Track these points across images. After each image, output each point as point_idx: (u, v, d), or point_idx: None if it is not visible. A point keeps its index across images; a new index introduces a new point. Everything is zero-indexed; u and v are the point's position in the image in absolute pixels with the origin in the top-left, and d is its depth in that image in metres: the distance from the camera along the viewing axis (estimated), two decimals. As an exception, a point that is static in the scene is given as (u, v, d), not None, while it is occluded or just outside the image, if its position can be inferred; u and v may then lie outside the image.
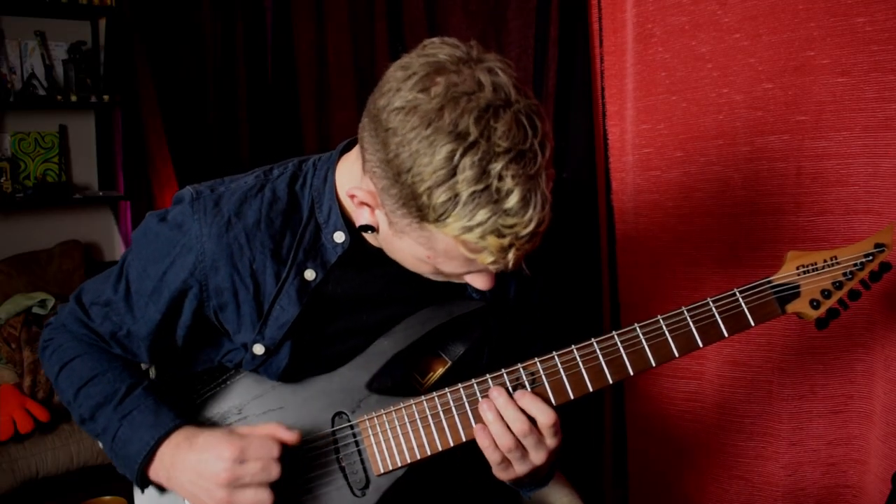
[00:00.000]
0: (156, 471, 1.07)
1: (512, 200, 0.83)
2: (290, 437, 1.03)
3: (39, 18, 3.29)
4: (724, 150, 1.61)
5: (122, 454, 1.07)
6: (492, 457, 1.03)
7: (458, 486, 1.25)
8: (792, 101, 1.51)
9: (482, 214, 0.83)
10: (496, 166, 0.82)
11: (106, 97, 3.35)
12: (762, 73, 1.54)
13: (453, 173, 0.82)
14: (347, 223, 1.06)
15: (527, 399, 1.02)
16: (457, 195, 0.83)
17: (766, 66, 1.53)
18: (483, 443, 1.02)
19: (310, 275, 1.06)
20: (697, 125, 1.65)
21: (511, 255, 0.87)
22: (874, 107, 1.41)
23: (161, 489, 1.10)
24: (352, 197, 0.97)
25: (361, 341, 1.11)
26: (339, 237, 1.06)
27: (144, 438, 1.05)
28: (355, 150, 1.04)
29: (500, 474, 1.07)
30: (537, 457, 1.03)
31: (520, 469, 1.04)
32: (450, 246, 0.88)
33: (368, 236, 1.04)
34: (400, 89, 0.86)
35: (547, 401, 1.03)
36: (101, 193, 3.52)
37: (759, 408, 1.64)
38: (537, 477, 1.12)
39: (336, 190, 1.07)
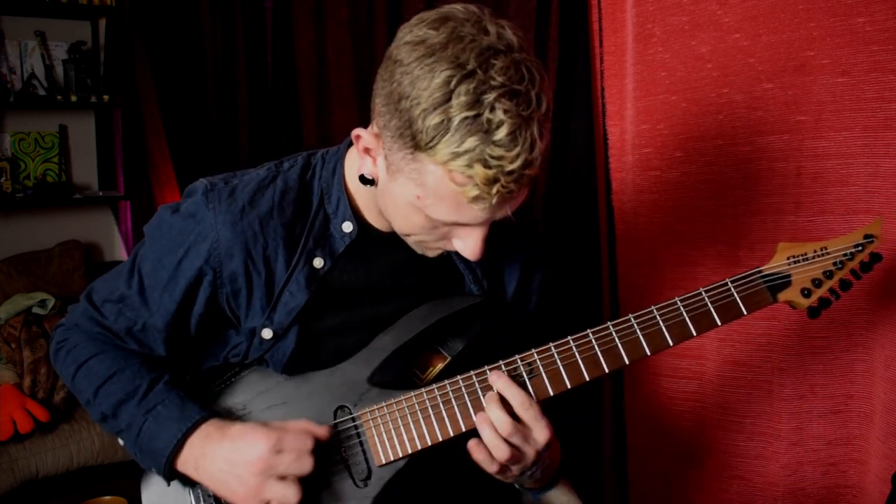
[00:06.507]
0: (184, 461, 1.07)
1: (501, 133, 0.85)
2: (322, 432, 1.06)
3: (39, 18, 3.29)
4: (724, 150, 1.61)
5: (148, 448, 1.08)
6: (489, 469, 1.06)
7: (458, 478, 1.25)
8: (792, 101, 1.51)
9: (471, 142, 0.85)
10: (489, 97, 0.85)
11: (106, 97, 3.35)
12: (762, 73, 1.54)
13: (448, 98, 0.85)
14: (355, 214, 1.10)
15: (500, 383, 1.04)
16: (449, 119, 0.85)
17: (766, 66, 1.53)
18: (478, 457, 1.04)
19: (318, 262, 1.10)
20: (697, 125, 1.65)
21: (495, 191, 0.88)
22: (874, 107, 1.41)
23: (183, 481, 1.11)
24: (356, 139, 1.00)
25: (364, 336, 1.13)
26: (348, 227, 1.10)
27: (171, 431, 1.06)
28: None
29: (501, 477, 1.09)
30: (529, 451, 1.04)
31: (515, 470, 1.06)
32: (439, 180, 0.90)
33: (366, 194, 1.08)
34: (412, 30, 0.91)
35: (544, 390, 1.06)
36: (101, 193, 3.52)
37: (759, 408, 1.64)
38: (542, 480, 1.15)
39: (345, 181, 1.10)
